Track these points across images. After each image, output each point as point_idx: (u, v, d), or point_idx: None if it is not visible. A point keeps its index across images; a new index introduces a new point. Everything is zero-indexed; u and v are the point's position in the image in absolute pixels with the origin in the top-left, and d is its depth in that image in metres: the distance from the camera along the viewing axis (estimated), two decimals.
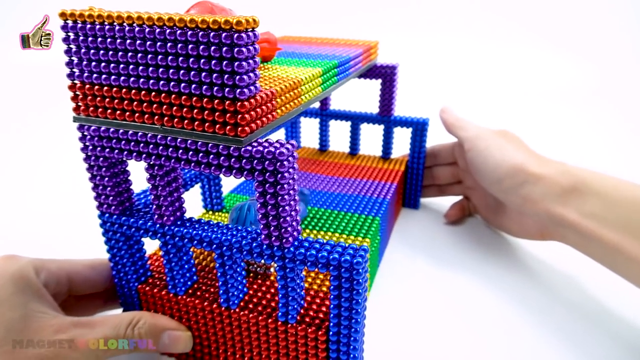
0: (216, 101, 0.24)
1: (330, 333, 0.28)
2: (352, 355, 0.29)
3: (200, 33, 0.23)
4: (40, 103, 1.06)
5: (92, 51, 0.26)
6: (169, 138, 0.26)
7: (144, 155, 0.28)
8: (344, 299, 0.27)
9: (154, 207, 0.29)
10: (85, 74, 0.27)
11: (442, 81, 1.25)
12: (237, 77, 0.24)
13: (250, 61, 0.24)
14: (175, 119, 0.26)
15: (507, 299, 0.42)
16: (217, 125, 0.25)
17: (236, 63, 0.23)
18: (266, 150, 0.25)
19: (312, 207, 0.45)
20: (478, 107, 1.05)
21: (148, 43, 0.24)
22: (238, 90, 0.24)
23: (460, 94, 1.17)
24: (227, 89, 0.24)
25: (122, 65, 0.26)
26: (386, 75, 0.54)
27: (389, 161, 0.57)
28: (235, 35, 0.23)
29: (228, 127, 0.25)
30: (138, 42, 0.25)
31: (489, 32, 1.37)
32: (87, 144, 0.29)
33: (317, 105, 0.60)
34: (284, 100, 0.29)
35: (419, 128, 0.54)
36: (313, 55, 0.42)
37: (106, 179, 0.30)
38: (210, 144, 0.26)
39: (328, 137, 0.61)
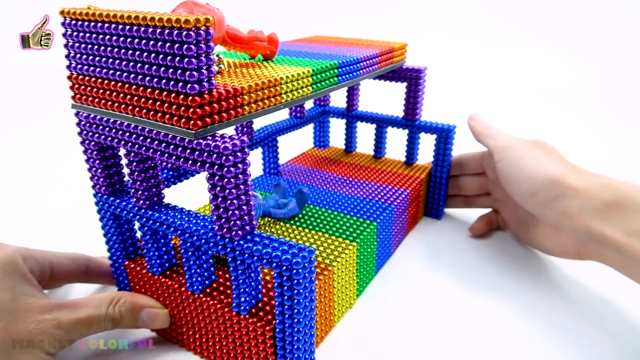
0: (172, 95, 0.26)
1: (277, 330, 0.29)
2: (296, 355, 0.29)
3: (157, 30, 0.25)
4: (40, 103, 1.04)
5: (82, 45, 0.29)
6: (139, 127, 0.29)
7: (123, 142, 0.30)
8: (286, 297, 0.27)
9: (132, 191, 0.32)
10: (79, 66, 0.30)
11: (475, 86, 1.20)
12: (187, 72, 0.25)
13: (202, 58, 0.25)
14: (143, 110, 0.28)
15: (539, 325, 0.38)
16: (175, 118, 0.26)
17: (185, 60, 0.25)
18: (213, 144, 0.26)
19: (313, 206, 0.46)
20: (508, 115, 0.98)
21: (120, 39, 0.27)
22: (188, 86, 0.25)
23: (490, 100, 1.11)
24: (180, 84, 0.25)
25: (102, 59, 0.28)
26: (411, 79, 0.52)
27: (412, 167, 0.56)
28: (184, 33, 0.24)
29: (182, 120, 0.26)
30: (110, 37, 0.27)
31: (526, 38, 1.31)
32: (82, 129, 0.32)
33: (343, 105, 0.60)
34: (256, 96, 0.30)
35: (443, 135, 0.52)
36: (317, 54, 0.42)
37: (97, 161, 0.33)
38: (170, 135, 0.27)
39: (354, 138, 0.61)
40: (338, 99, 0.73)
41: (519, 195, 0.44)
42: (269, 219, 0.43)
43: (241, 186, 0.27)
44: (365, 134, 0.66)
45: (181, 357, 0.35)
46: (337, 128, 0.72)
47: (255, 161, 0.62)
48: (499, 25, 1.35)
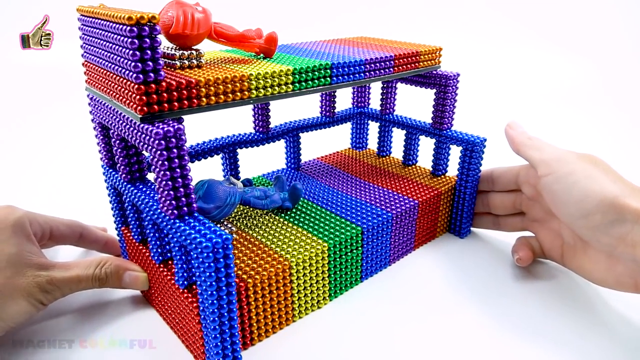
0: (126, 82, 0.29)
1: (200, 305, 0.31)
2: (211, 328, 0.30)
3: (115, 26, 0.29)
4: (40, 103, 1.01)
5: (85, 36, 0.34)
6: (114, 109, 0.33)
7: (107, 120, 0.35)
8: (198, 275, 0.29)
9: (117, 165, 0.37)
10: (85, 53, 0.35)
11: (508, 94, 1.11)
12: (132, 64, 0.28)
13: (148, 51, 0.28)
14: (113, 93, 0.32)
15: None
16: (129, 102, 0.30)
17: (130, 52, 0.28)
18: (150, 129, 0.29)
19: (311, 202, 0.46)
20: (544, 127, 0.90)
21: (99, 32, 0.31)
22: (134, 76, 0.28)
23: (524, 109, 1.02)
24: (129, 73, 0.29)
25: (93, 47, 0.33)
26: (440, 85, 0.49)
27: (438, 179, 0.52)
28: (128, 28, 0.27)
29: (133, 106, 0.30)
30: (95, 30, 0.32)
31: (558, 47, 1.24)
32: (90, 108, 0.38)
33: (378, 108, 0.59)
34: (216, 90, 0.32)
35: (469, 148, 0.48)
36: (324, 54, 0.42)
37: (101, 137, 0.38)
38: (129, 118, 0.31)
39: (388, 142, 0.59)
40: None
41: (570, 216, 0.39)
42: (268, 210, 0.45)
43: (177, 169, 0.30)
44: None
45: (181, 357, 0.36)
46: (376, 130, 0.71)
47: (276, 154, 0.63)
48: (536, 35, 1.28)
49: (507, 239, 0.52)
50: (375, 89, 0.83)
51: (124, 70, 0.29)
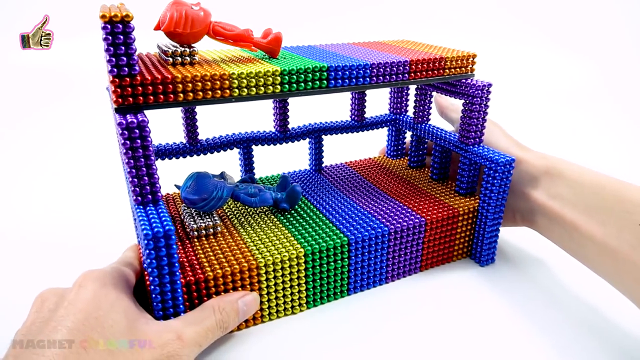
0: (108, 75, 0.32)
1: None
2: (156, 312, 0.32)
3: (101, 24, 0.31)
4: (40, 103, 0.99)
5: None
6: None
7: None
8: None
9: None
10: None
11: (513, 94, 1.04)
12: (107, 57, 0.30)
13: (122, 47, 0.30)
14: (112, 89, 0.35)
15: None
16: (111, 94, 0.33)
17: (105, 47, 0.30)
18: (119, 120, 0.31)
19: (312, 206, 0.45)
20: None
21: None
22: (109, 69, 0.31)
23: (528, 110, 0.99)
24: (109, 67, 0.31)
25: None
26: (467, 96, 0.45)
27: (461, 198, 0.48)
28: (102, 26, 0.30)
29: (112, 97, 0.32)
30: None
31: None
32: None
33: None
34: (194, 87, 0.33)
35: (492, 167, 0.43)
36: (331, 55, 0.41)
37: None
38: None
39: (421, 153, 0.55)
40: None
41: None
42: (265, 209, 0.45)
43: (141, 159, 0.32)
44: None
45: None
46: None
47: (301, 155, 0.63)
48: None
49: (539, 275, 0.45)
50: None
51: (107, 63, 0.32)
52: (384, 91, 0.59)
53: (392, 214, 0.44)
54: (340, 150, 0.68)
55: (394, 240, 0.42)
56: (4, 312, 0.39)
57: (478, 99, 0.44)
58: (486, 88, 0.44)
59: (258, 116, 0.71)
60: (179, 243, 0.39)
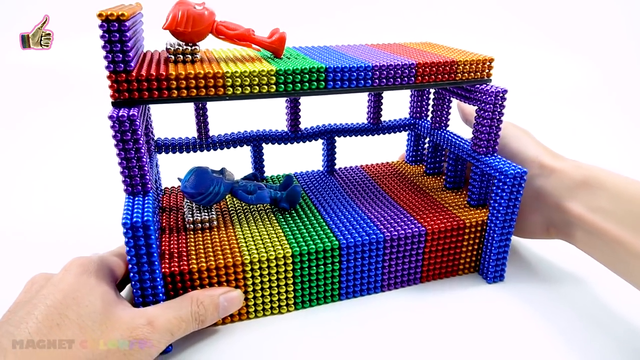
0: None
1: None
2: (136, 300, 0.34)
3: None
4: (40, 103, 0.98)
5: None
6: None
7: None
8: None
9: None
10: None
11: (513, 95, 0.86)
12: (104, 55, 0.32)
13: (117, 44, 0.32)
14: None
15: None
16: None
17: (102, 45, 0.32)
18: (112, 113, 0.32)
19: (314, 207, 0.45)
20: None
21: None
22: (106, 64, 0.32)
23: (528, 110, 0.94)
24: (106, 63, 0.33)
25: None
26: (480, 102, 0.42)
27: (472, 210, 0.45)
28: (99, 24, 0.31)
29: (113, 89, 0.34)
30: None
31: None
32: None
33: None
34: (188, 84, 0.34)
35: (501, 179, 0.40)
36: (328, 56, 0.41)
37: None
38: None
39: (438, 160, 0.53)
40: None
41: None
42: (268, 206, 0.46)
43: (131, 151, 0.33)
44: None
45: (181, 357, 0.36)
46: None
47: (312, 155, 0.62)
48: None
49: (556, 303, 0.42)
50: None
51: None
52: (405, 93, 0.57)
53: (392, 221, 0.43)
54: (360, 153, 0.67)
55: (390, 248, 0.41)
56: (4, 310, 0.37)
57: (491, 105, 0.41)
58: (500, 94, 0.41)
59: (273, 114, 0.71)
60: (174, 234, 0.41)
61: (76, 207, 0.59)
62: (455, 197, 0.48)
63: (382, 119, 0.55)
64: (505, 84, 0.44)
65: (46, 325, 0.28)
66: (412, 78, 0.40)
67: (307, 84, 0.37)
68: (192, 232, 0.41)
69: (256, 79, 0.36)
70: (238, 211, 0.45)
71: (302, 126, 0.52)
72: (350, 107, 0.72)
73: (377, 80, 0.39)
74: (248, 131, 0.51)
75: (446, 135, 0.50)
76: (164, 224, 0.43)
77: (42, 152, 0.77)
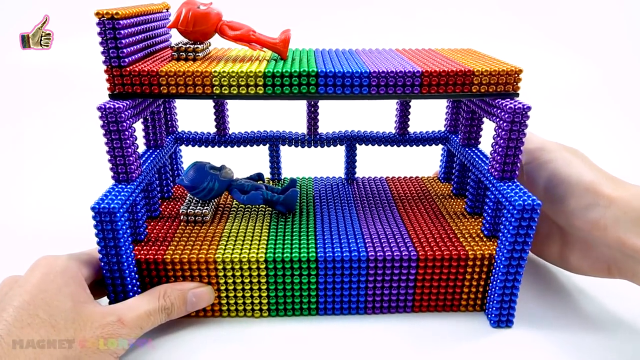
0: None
1: None
2: (108, 289, 0.36)
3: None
4: (40, 103, 0.96)
5: None
6: None
7: None
8: None
9: None
10: None
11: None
12: (102, 51, 0.35)
13: (113, 41, 0.34)
14: None
15: None
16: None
17: (99, 41, 0.34)
18: (100, 105, 0.35)
19: (312, 215, 0.44)
20: None
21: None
22: (103, 59, 0.35)
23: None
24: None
25: None
26: (497, 118, 0.37)
27: (482, 240, 0.40)
28: (97, 22, 0.34)
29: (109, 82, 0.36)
30: None
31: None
32: None
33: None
34: (177, 81, 0.36)
35: (509, 210, 0.35)
36: (334, 60, 0.39)
37: None
38: None
39: (464, 180, 0.48)
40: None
41: (548, 201, 0.40)
42: (270, 208, 0.46)
43: (117, 141, 0.35)
44: None
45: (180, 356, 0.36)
46: None
47: (334, 161, 0.60)
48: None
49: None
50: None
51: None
52: (442, 104, 0.52)
53: (385, 241, 0.40)
54: (394, 163, 0.63)
55: (375, 269, 0.38)
56: None
57: (508, 124, 0.36)
58: (521, 112, 0.35)
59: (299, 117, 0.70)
60: (168, 223, 0.42)
61: (76, 207, 0.57)
62: (473, 223, 0.43)
63: (415, 129, 0.52)
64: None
65: (17, 326, 0.29)
66: (417, 87, 0.37)
67: (296, 87, 0.36)
68: (185, 224, 0.43)
69: (244, 79, 0.36)
70: (237, 210, 0.46)
71: (323, 130, 0.50)
72: (384, 114, 0.67)
73: (375, 88, 0.37)
74: (266, 131, 0.51)
75: (471, 154, 0.44)
76: (166, 212, 0.45)
77: (42, 152, 0.77)
